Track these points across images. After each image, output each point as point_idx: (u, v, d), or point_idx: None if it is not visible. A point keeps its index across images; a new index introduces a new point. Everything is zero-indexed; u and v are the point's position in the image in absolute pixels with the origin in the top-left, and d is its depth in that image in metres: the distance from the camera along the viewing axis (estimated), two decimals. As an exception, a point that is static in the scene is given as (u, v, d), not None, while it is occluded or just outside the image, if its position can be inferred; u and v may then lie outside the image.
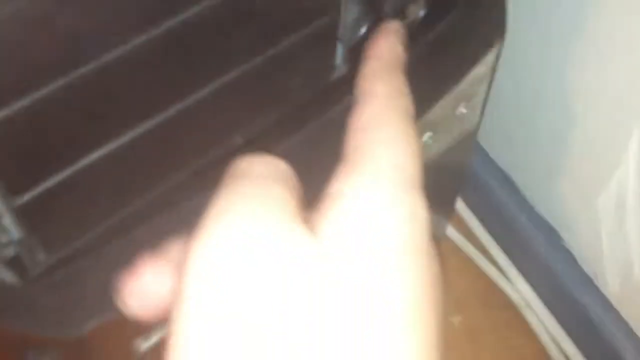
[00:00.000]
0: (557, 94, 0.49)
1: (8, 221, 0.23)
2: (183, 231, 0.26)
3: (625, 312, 0.53)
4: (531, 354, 0.61)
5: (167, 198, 0.26)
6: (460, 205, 0.65)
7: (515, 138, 0.57)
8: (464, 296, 0.65)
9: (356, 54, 0.29)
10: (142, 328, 0.26)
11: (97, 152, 0.22)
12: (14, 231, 0.23)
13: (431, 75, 0.32)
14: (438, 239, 0.53)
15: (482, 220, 0.64)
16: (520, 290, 0.61)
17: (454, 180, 0.47)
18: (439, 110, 0.34)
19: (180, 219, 0.26)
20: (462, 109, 0.38)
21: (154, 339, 0.27)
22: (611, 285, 0.53)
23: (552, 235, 0.56)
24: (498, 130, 0.56)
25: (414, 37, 0.31)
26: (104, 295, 0.25)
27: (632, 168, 0.46)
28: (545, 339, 0.60)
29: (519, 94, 0.53)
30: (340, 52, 0.28)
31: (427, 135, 0.36)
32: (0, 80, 0.17)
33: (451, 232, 0.64)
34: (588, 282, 0.54)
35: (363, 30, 0.29)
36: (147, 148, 0.23)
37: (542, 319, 0.60)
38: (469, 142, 0.45)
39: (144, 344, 0.27)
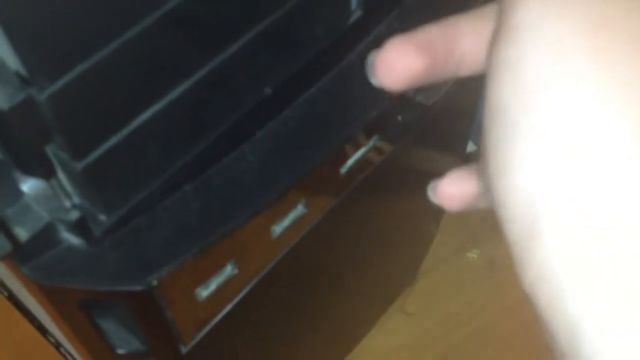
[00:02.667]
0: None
1: (70, 186, 0.24)
2: (230, 188, 0.28)
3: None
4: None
5: (208, 155, 0.28)
6: (471, 147, 0.66)
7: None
8: (480, 230, 0.68)
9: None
10: (201, 276, 0.28)
11: (148, 112, 0.23)
12: (76, 195, 0.25)
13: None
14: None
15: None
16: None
17: (464, 123, 0.49)
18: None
19: (226, 173, 0.28)
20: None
21: (212, 286, 0.29)
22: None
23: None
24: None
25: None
26: (165, 249, 0.27)
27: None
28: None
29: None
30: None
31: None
32: (65, 46, 0.18)
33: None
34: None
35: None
36: (191, 106, 0.25)
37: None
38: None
39: (204, 292, 0.29)
